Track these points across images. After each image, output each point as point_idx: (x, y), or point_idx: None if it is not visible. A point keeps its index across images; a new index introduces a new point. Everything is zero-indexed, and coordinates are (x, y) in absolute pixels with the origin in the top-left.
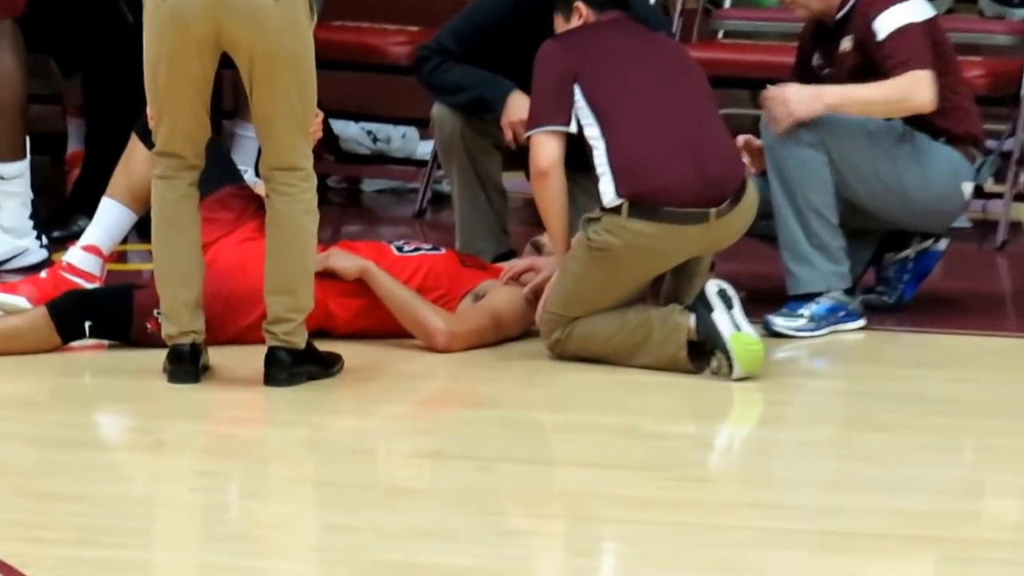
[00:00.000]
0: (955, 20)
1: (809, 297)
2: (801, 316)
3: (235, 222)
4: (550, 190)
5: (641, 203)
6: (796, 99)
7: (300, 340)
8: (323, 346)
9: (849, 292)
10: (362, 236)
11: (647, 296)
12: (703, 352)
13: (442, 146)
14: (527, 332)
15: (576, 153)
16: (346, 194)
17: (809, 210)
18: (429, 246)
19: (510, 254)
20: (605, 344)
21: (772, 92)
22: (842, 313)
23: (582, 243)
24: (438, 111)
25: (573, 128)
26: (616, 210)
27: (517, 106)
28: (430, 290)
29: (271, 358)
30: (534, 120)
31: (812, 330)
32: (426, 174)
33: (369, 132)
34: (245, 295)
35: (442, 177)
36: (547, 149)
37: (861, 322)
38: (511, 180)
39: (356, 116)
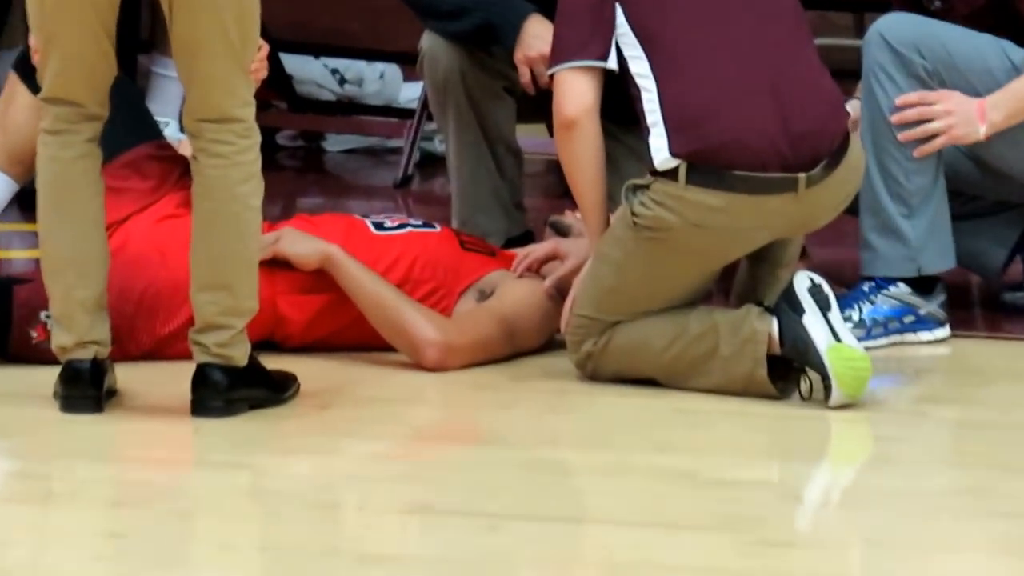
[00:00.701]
0: None
1: (885, 283)
2: (847, 319)
3: (152, 193)
4: (580, 148)
5: (705, 165)
6: (960, 113)
7: (240, 354)
8: (272, 362)
9: (926, 289)
10: (325, 211)
11: (713, 294)
12: (789, 370)
13: (434, 90)
14: (550, 342)
15: (617, 99)
16: (303, 155)
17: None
18: (419, 222)
19: (526, 237)
20: (656, 359)
21: (934, 96)
22: (910, 319)
23: (624, 220)
24: (429, 43)
25: (612, 63)
26: (671, 174)
27: (536, 34)
28: (419, 283)
29: (201, 379)
30: (560, 53)
31: (861, 339)
32: (412, 128)
33: (334, 71)
34: (165, 293)
35: (434, 132)
36: (577, 92)
37: (941, 332)
38: (528, 136)
39: (317, 49)
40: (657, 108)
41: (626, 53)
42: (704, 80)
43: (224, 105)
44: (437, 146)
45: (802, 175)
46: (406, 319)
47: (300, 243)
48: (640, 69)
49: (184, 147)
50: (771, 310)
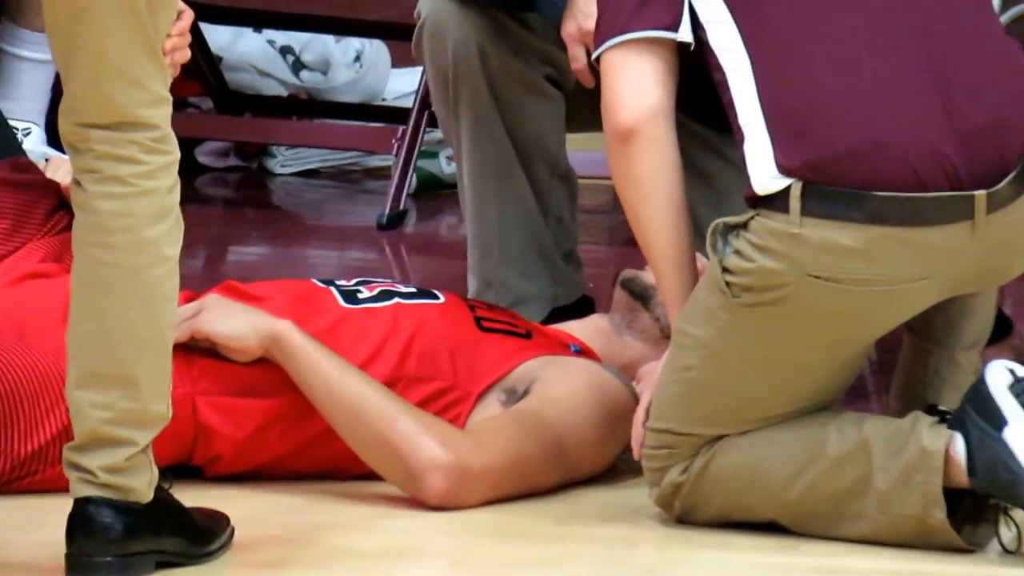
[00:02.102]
0: None
1: None
2: None
3: (5, 239)
4: (642, 170)
5: (830, 184)
6: None
7: (142, 484)
8: (191, 497)
9: None
10: (273, 269)
11: (872, 393)
12: (982, 510)
13: (440, 80)
14: (618, 466)
15: (703, 89)
16: (238, 181)
17: None
18: (412, 288)
19: (582, 305)
20: (777, 495)
21: None
22: None
23: (714, 281)
24: (432, 7)
25: (686, 34)
26: (778, 202)
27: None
28: (414, 381)
29: (83, 521)
30: (607, 23)
31: None
32: (405, 138)
33: (286, 51)
34: (26, 390)
35: (439, 144)
36: (634, 83)
37: None
38: (584, 151)
39: (259, 18)
40: (752, 98)
41: (703, 16)
42: (824, 54)
43: (124, 103)
44: (444, 166)
45: (980, 192)
46: (398, 431)
47: (232, 318)
48: (724, 39)
49: (55, 168)
50: (950, 420)
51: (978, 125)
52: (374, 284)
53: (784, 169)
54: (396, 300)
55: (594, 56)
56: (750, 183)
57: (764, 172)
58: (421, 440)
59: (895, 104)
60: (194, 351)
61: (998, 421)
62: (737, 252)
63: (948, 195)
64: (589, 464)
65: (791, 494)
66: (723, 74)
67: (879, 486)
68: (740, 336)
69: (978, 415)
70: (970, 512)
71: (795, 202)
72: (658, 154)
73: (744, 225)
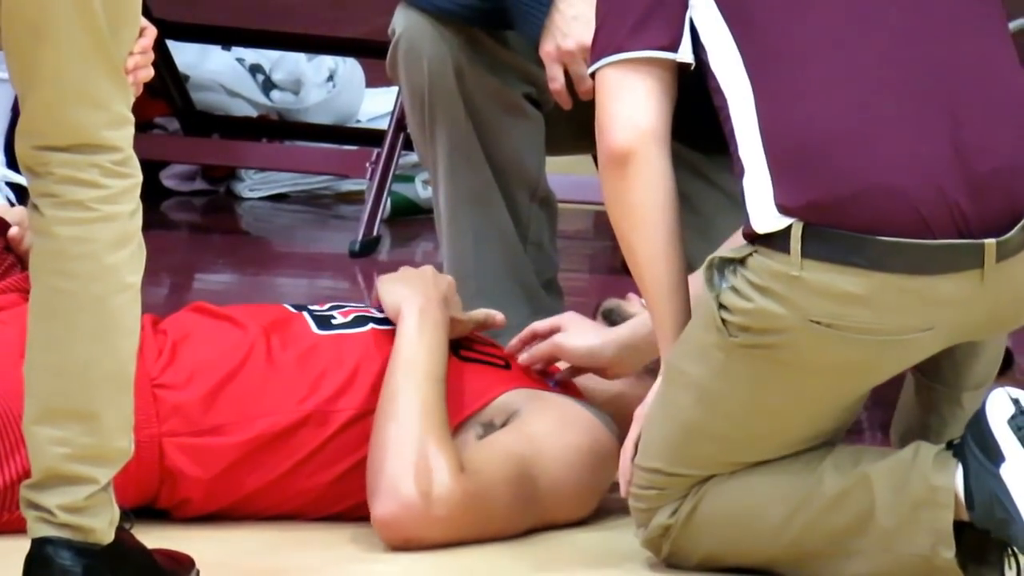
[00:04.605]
0: None
1: None
2: None
3: None
4: (636, 195)
5: (831, 226)
6: None
7: (103, 524)
8: (154, 538)
9: None
10: (241, 297)
11: (866, 429)
12: (984, 545)
13: (415, 100)
14: (604, 506)
15: (703, 113)
16: (204, 206)
17: None
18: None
19: None
20: (772, 537)
21: None
22: None
23: (709, 318)
24: (407, 23)
25: (686, 54)
26: (778, 241)
27: (577, 15)
28: None
29: (41, 563)
30: (603, 41)
31: None
32: (379, 161)
33: (256, 70)
34: None
35: (415, 168)
36: (630, 104)
37: None
38: (565, 174)
39: (228, 35)
40: (753, 130)
41: (705, 39)
42: (830, 88)
43: (84, 124)
44: (420, 190)
45: (990, 241)
46: (399, 445)
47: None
48: (726, 66)
49: (3, 214)
50: (955, 450)
51: (990, 168)
52: (348, 309)
53: (784, 209)
54: (371, 326)
55: (589, 71)
56: (749, 220)
57: (764, 210)
58: (403, 466)
59: (902, 144)
60: (160, 388)
61: (996, 456)
62: (734, 289)
63: (956, 243)
64: (565, 512)
65: (787, 536)
66: (724, 100)
67: (883, 523)
68: (734, 378)
69: (977, 447)
70: (974, 548)
71: (796, 243)
72: (653, 179)
73: (742, 261)
